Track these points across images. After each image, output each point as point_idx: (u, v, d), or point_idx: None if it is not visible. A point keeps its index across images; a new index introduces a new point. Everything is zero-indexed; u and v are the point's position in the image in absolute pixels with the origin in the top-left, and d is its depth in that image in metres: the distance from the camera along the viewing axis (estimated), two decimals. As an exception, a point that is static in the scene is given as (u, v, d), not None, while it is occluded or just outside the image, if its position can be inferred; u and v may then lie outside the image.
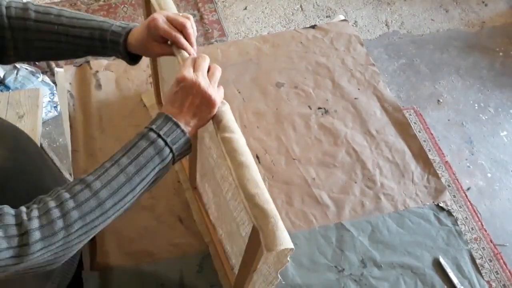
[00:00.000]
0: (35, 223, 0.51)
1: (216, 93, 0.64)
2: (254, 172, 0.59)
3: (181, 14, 0.71)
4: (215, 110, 0.64)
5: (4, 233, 0.49)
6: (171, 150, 0.60)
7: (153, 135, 0.60)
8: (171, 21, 0.70)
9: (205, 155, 0.83)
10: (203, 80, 0.62)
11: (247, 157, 0.61)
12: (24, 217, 0.52)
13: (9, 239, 0.49)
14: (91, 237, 0.58)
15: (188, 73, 0.62)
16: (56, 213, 0.53)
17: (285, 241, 0.54)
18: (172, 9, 0.76)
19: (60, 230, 0.53)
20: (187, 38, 0.70)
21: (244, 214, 0.69)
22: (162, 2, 0.77)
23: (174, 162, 0.63)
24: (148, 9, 0.89)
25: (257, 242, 0.56)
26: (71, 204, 0.54)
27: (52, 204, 0.53)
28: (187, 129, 0.62)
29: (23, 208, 0.53)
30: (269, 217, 0.55)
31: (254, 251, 0.61)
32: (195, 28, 0.72)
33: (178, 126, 0.61)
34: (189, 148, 0.64)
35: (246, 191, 0.57)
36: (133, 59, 0.77)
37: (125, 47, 0.73)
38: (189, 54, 0.69)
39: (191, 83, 0.62)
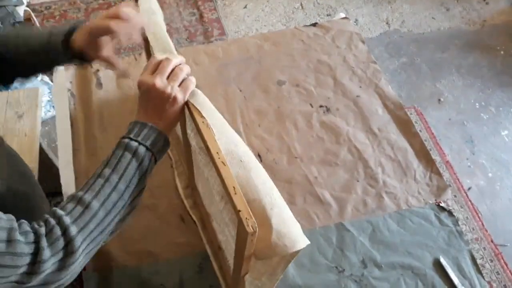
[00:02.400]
0: (44, 243, 0.53)
1: (177, 91, 0.64)
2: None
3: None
4: (178, 106, 0.65)
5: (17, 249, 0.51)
6: (147, 148, 0.62)
7: (124, 140, 0.62)
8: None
9: (194, 154, 0.83)
10: (159, 81, 0.63)
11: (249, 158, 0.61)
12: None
13: (22, 257, 0.51)
14: (95, 250, 0.59)
15: (144, 77, 0.64)
16: (57, 231, 0.54)
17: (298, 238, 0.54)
18: (170, 47, 0.74)
19: (63, 248, 0.54)
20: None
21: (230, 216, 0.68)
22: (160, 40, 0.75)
23: (156, 158, 0.64)
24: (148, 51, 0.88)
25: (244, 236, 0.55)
26: (67, 220, 0.55)
27: (53, 222, 0.55)
28: (157, 127, 0.64)
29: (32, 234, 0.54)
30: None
31: (241, 254, 0.61)
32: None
33: (145, 125, 0.63)
34: (167, 142, 0.65)
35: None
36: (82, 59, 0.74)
37: (67, 47, 0.70)
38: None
39: (147, 86, 0.63)
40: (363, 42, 1.36)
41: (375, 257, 0.98)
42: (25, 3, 1.80)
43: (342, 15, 1.46)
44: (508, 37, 2.58)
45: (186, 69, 0.66)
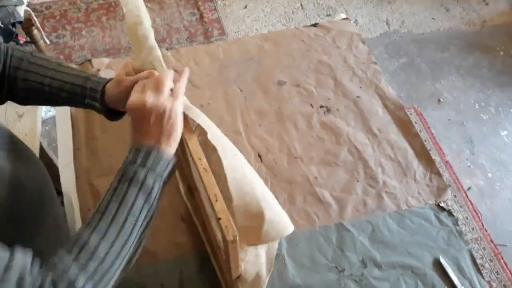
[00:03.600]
0: None
1: (169, 101, 0.61)
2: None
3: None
4: (178, 117, 0.61)
5: None
6: (156, 176, 0.58)
7: (130, 170, 0.58)
8: (136, 71, 0.68)
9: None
10: (149, 97, 0.60)
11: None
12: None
13: None
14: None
15: (132, 99, 0.61)
16: (65, 279, 0.51)
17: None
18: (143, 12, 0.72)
19: None
20: None
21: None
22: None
23: (166, 183, 0.60)
24: None
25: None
26: (75, 269, 0.52)
27: (61, 268, 0.52)
28: (161, 148, 0.60)
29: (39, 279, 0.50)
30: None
31: (227, 258, 0.62)
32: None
33: (150, 151, 0.59)
34: (174, 164, 0.61)
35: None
36: (114, 114, 0.73)
37: (103, 103, 0.70)
38: None
39: (137, 106, 0.60)
40: (363, 42, 1.37)
41: (375, 257, 0.98)
42: (25, 3, 1.79)
43: (343, 15, 1.47)
44: (508, 37, 2.58)
45: (170, 76, 0.63)
